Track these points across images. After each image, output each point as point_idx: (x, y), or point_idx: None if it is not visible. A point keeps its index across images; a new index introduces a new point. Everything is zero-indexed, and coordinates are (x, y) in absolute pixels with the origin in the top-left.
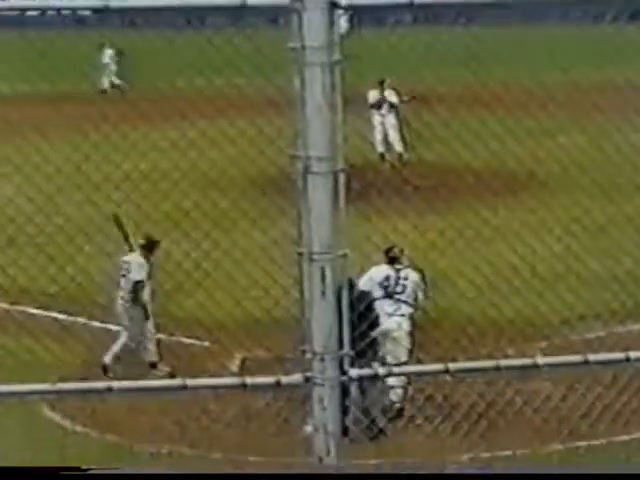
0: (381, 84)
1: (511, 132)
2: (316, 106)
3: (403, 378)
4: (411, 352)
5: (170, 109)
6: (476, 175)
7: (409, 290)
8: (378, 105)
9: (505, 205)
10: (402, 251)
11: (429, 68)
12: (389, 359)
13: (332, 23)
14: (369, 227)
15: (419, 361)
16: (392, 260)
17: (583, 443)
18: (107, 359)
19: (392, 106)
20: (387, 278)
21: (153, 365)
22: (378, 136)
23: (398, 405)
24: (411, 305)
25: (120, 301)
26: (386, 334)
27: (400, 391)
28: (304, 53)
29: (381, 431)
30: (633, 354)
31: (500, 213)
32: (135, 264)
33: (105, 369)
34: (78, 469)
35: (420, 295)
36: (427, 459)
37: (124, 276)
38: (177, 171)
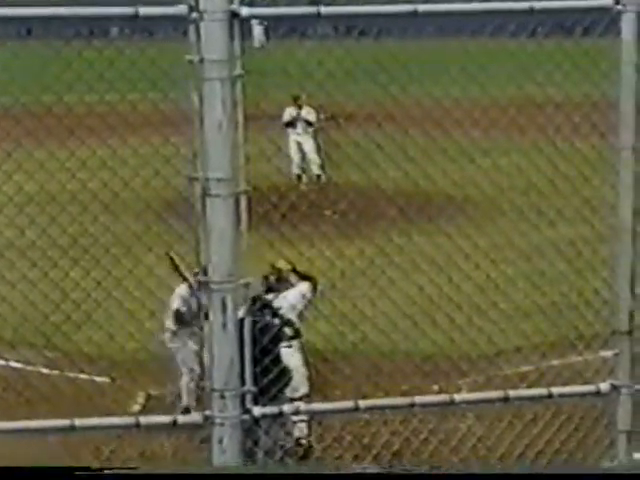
0: (295, 100)
1: (425, 152)
2: (215, 123)
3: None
4: (309, 385)
5: (57, 126)
6: (389, 199)
7: (289, 312)
8: (292, 123)
9: (420, 230)
10: (280, 273)
11: (337, 84)
12: (287, 393)
13: (232, 35)
14: (273, 254)
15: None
16: (270, 289)
17: None
18: (185, 401)
19: (309, 125)
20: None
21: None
22: (295, 157)
23: (304, 442)
24: (296, 337)
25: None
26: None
27: (303, 425)
28: (202, 67)
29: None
30: (555, 390)
31: (415, 239)
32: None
33: (188, 409)
34: (85, 469)
35: (302, 300)
36: None
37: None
38: (65, 193)
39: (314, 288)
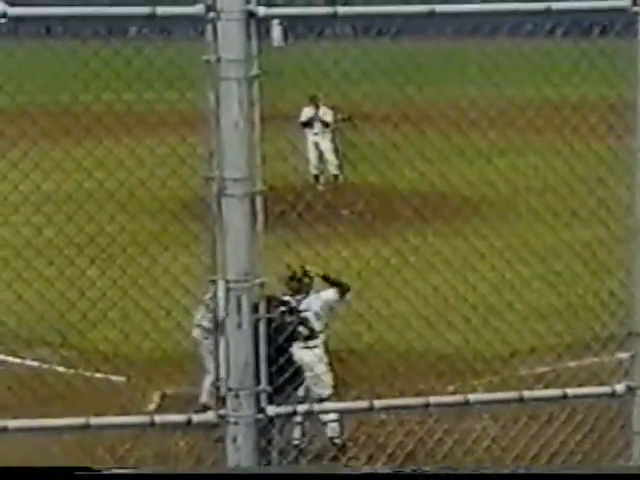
0: (313, 100)
1: (441, 153)
2: (232, 123)
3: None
4: (334, 386)
5: (73, 125)
6: (405, 199)
7: (314, 320)
8: (309, 124)
9: (436, 231)
10: (305, 276)
11: (354, 84)
12: (314, 395)
13: (249, 35)
14: (289, 254)
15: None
16: (294, 291)
17: None
18: (204, 399)
19: (326, 125)
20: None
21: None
22: (312, 157)
23: (338, 441)
24: (318, 337)
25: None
26: (305, 369)
27: (336, 425)
28: (219, 66)
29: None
30: (570, 391)
31: (430, 239)
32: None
33: (206, 407)
34: (89, 469)
35: (327, 306)
36: None
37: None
38: (81, 192)
39: (342, 295)
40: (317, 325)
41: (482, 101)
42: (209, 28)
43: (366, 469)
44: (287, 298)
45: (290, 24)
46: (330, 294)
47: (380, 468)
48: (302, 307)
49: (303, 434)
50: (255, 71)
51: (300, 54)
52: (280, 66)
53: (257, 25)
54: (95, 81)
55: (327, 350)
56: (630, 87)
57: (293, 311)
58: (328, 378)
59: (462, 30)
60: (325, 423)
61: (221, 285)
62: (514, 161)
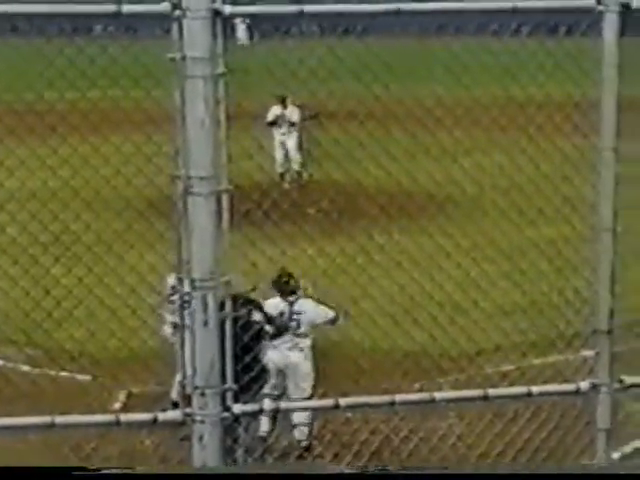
0: (283, 101)
1: (407, 151)
2: (198, 121)
3: (308, 415)
4: (314, 387)
5: (38, 124)
6: (370, 197)
7: (304, 324)
8: (277, 123)
9: (402, 229)
10: (294, 279)
11: (320, 82)
12: (295, 396)
13: (215, 33)
14: (255, 252)
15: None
16: (283, 291)
17: None
18: (175, 396)
19: (292, 124)
20: (281, 314)
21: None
22: (278, 156)
23: (304, 443)
24: (309, 338)
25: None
26: (285, 371)
27: (305, 429)
28: (185, 64)
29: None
30: (535, 388)
31: (396, 237)
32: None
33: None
34: (86, 469)
35: (322, 322)
36: None
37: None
38: (46, 190)
39: (334, 321)
40: (306, 327)
41: (448, 100)
42: (175, 26)
43: (350, 468)
44: (288, 300)
45: (255, 23)
46: (329, 314)
47: (372, 468)
48: (295, 308)
49: (271, 430)
50: (221, 69)
51: (266, 52)
52: (246, 64)
53: (223, 23)
54: (60, 80)
55: (313, 353)
56: (594, 86)
57: (261, 309)
58: (310, 380)
59: (428, 29)
60: (295, 425)
61: (186, 283)
62: (479, 159)
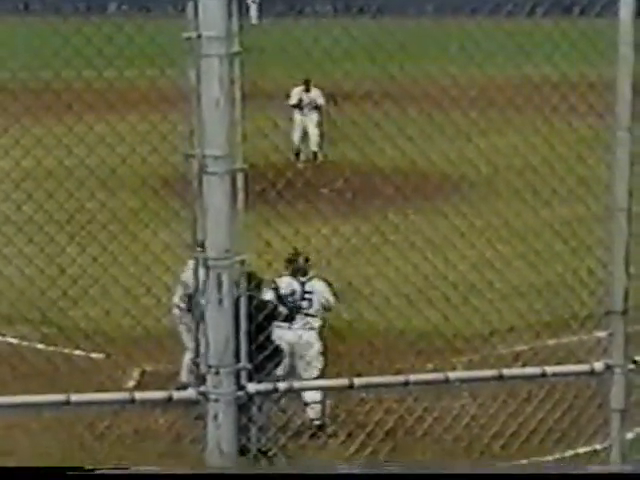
0: (306, 83)
1: (424, 132)
2: (213, 101)
3: (320, 394)
4: (325, 367)
5: (54, 102)
6: (385, 177)
7: (316, 303)
8: (299, 105)
9: (416, 209)
10: (307, 259)
11: (335, 62)
12: (306, 375)
13: (231, 12)
14: (269, 231)
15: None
16: (296, 271)
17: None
18: (184, 377)
19: (316, 107)
20: (293, 293)
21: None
22: (296, 137)
23: (317, 422)
24: (320, 318)
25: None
26: (294, 350)
27: (318, 407)
28: (200, 43)
29: (277, 452)
30: (549, 369)
31: (411, 217)
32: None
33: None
34: (81, 469)
35: (327, 303)
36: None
37: None
38: (62, 169)
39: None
40: (317, 307)
41: (463, 80)
42: (190, 5)
43: (355, 468)
44: (301, 279)
45: (267, 2)
46: (323, 285)
47: (367, 468)
48: (307, 288)
49: (282, 411)
50: (236, 48)
51: (280, 32)
52: (261, 44)
53: (238, 2)
54: (77, 58)
55: (323, 333)
56: (610, 66)
57: (275, 289)
58: (321, 360)
59: (443, 9)
60: (307, 404)
61: (201, 263)
62: (494, 140)
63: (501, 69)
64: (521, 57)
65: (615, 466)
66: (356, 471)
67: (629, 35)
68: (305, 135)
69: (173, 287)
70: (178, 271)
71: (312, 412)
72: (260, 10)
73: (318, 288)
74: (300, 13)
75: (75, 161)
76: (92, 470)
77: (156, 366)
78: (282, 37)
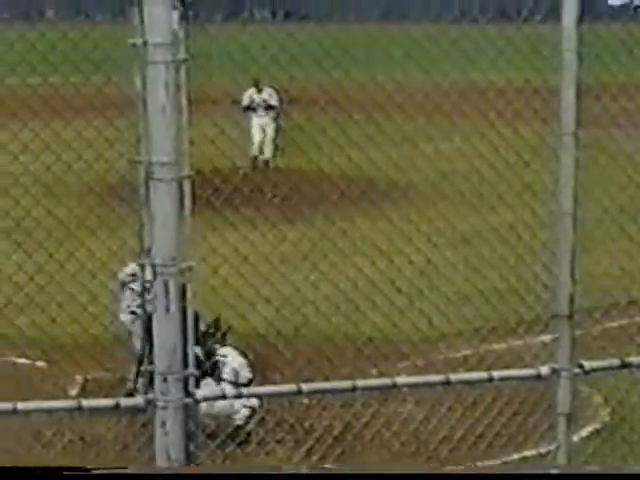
0: (256, 85)
1: (370, 137)
2: (159, 107)
3: (244, 400)
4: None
5: None
6: (332, 183)
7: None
8: (252, 107)
9: (363, 215)
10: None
11: (281, 68)
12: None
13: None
14: (217, 238)
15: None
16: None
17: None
18: (132, 384)
19: (270, 107)
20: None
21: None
22: (256, 140)
23: (247, 427)
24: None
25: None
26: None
27: (246, 411)
28: (146, 50)
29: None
30: (496, 373)
31: (357, 223)
32: None
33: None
34: (80, 469)
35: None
36: None
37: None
38: (7, 176)
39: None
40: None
41: (410, 86)
42: (135, 12)
43: (350, 467)
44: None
45: (190, 8)
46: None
47: (372, 468)
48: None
49: (228, 417)
50: (182, 55)
51: (223, 39)
52: (208, 50)
53: (184, 8)
54: (21, 65)
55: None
56: (554, 72)
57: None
58: (246, 372)
59: (389, 16)
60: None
61: (148, 269)
62: (441, 145)
63: (446, 75)
64: (466, 63)
65: (616, 466)
66: (354, 471)
67: (572, 41)
68: (264, 139)
69: (120, 292)
70: (120, 274)
71: (239, 418)
72: (185, 17)
73: (231, 357)
74: (226, 18)
75: (20, 168)
76: (89, 470)
77: (101, 373)
78: (229, 43)
